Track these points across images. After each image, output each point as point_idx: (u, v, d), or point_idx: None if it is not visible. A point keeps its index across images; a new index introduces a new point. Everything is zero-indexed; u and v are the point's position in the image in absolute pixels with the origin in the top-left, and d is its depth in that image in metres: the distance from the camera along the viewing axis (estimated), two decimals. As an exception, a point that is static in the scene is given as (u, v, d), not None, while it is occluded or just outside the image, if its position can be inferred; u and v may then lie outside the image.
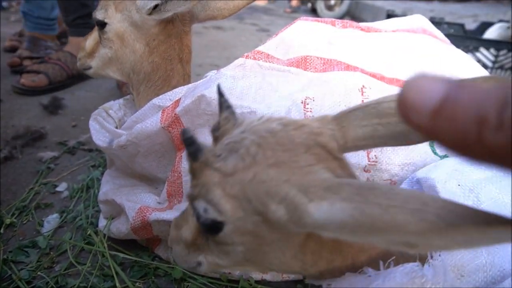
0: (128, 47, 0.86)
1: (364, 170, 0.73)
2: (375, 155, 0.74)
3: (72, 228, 0.97)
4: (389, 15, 2.84)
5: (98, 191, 1.03)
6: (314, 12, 6.78)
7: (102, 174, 1.15)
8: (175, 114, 0.76)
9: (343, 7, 6.12)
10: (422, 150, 0.75)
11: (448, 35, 1.15)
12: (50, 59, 1.92)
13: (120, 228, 0.84)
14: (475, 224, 0.30)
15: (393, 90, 0.88)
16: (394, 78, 0.93)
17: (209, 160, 0.43)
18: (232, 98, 0.75)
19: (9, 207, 1.02)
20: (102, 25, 0.87)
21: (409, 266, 0.51)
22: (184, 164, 0.77)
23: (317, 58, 0.91)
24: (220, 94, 0.52)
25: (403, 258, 0.52)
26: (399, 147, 0.75)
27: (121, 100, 1.03)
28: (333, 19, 1.03)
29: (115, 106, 0.99)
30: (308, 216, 0.37)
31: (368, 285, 0.49)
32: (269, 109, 0.74)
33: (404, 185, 0.73)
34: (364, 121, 0.47)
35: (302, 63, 0.89)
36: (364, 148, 0.49)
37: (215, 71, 0.96)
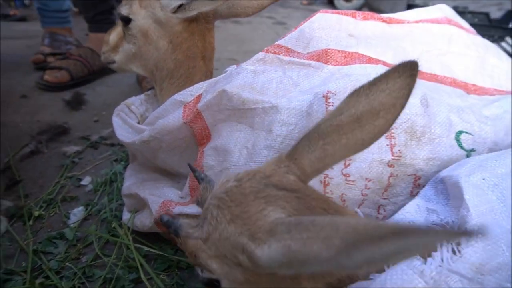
0: (152, 44, 0.87)
1: (388, 165, 0.72)
2: (399, 150, 0.73)
3: (97, 221, 0.99)
4: (410, 6, 2.77)
5: (121, 185, 1.05)
6: (331, 3, 6.67)
7: (125, 168, 1.18)
8: (196, 109, 0.76)
9: (361, -2, 6.00)
10: (448, 144, 0.74)
11: (472, 25, 1.11)
12: (72, 55, 1.96)
13: (143, 221, 0.85)
14: (370, 240, 0.32)
15: (418, 83, 0.87)
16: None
17: (188, 232, 0.50)
18: (253, 93, 0.75)
19: (36, 200, 1.06)
20: (126, 21, 0.88)
21: (409, 261, 0.51)
22: (206, 159, 0.78)
23: (338, 51, 0.90)
24: (193, 169, 0.60)
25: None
26: (424, 141, 0.73)
27: (142, 96, 1.04)
28: (354, 11, 1.02)
29: (136, 102, 1.01)
30: (258, 260, 0.41)
31: (369, 285, 0.50)
32: (290, 104, 0.74)
33: (428, 186, 0.72)
34: (312, 147, 0.52)
35: (323, 56, 0.88)
36: (325, 169, 0.54)
37: (235, 66, 0.96)
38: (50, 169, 1.23)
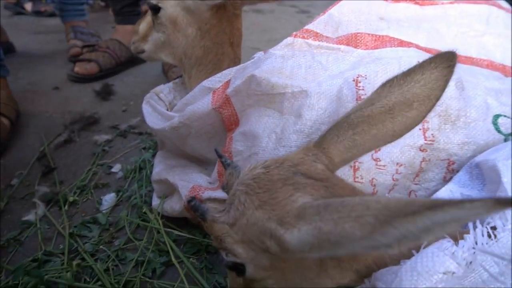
0: (181, 32, 0.88)
1: (420, 150, 0.70)
2: (432, 134, 0.71)
3: (128, 206, 1.02)
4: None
5: (150, 172, 1.08)
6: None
7: (153, 156, 1.20)
8: (225, 95, 0.76)
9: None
10: (485, 128, 0.71)
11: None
12: (100, 47, 2.00)
13: (173, 206, 0.87)
14: (404, 216, 0.31)
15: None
16: (452, 53, 0.87)
17: (215, 217, 0.51)
18: (282, 78, 0.75)
19: (71, 186, 1.10)
20: (155, 10, 0.89)
21: (439, 242, 0.49)
22: (234, 144, 0.78)
23: (368, 34, 0.88)
24: (219, 155, 0.60)
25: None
26: (459, 125, 0.71)
27: (170, 84, 1.05)
28: (384, -6, 0.99)
29: (165, 90, 1.02)
30: (287, 244, 0.41)
31: (399, 269, 0.49)
32: (320, 88, 0.73)
33: (463, 171, 0.69)
34: (341, 136, 0.52)
35: (353, 40, 0.87)
36: (353, 159, 0.54)
37: (262, 52, 0.95)
38: (82, 157, 1.27)
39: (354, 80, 0.75)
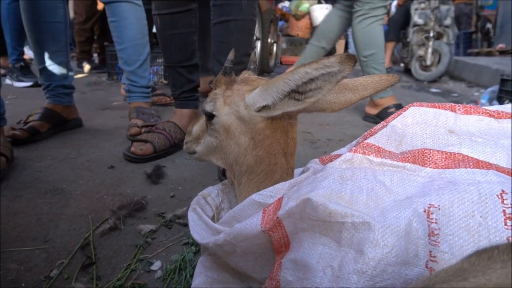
0: (233, 139, 0.86)
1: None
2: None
3: (162, 317, 0.94)
4: (504, 80, 2.53)
5: (190, 276, 1.01)
6: (407, 72, 6.55)
7: (195, 253, 1.14)
8: (277, 217, 0.70)
9: (441, 67, 5.79)
10: None
11: None
12: (157, 128, 2.09)
13: (210, 333, 0.77)
14: None
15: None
16: (542, 179, 0.75)
17: None
18: (341, 204, 0.67)
19: (107, 285, 1.05)
20: (210, 116, 0.89)
21: None
22: (283, 272, 0.69)
23: (438, 152, 0.79)
24: None
25: None
26: None
27: (219, 186, 1.02)
28: (453, 104, 0.92)
29: (213, 193, 0.99)
30: None
31: None
32: (385, 220, 0.64)
33: None
34: None
35: (419, 157, 0.78)
36: None
37: (317, 161, 0.90)
38: (125, 248, 1.24)
39: (425, 211, 0.65)
